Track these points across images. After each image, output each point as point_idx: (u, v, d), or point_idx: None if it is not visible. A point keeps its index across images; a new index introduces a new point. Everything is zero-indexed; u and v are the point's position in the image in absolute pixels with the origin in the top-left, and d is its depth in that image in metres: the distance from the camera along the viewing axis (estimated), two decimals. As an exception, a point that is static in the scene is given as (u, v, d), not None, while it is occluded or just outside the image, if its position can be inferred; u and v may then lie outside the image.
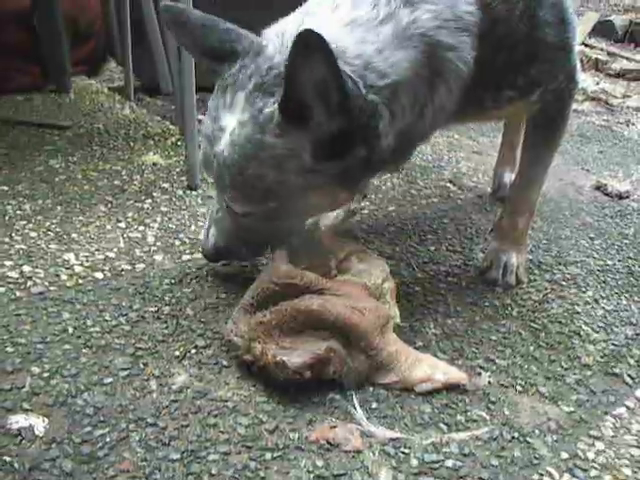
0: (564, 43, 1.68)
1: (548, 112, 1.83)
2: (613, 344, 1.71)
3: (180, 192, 2.28)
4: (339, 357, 1.40)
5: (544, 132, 1.90)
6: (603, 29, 7.10)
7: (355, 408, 1.36)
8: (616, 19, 7.34)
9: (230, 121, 1.42)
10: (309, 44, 1.21)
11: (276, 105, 1.35)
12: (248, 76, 1.40)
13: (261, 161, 1.40)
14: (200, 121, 1.53)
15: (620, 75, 5.55)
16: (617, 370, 1.61)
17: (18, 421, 1.23)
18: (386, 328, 1.49)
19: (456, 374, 1.48)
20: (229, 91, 1.43)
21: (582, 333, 1.73)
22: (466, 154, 3.09)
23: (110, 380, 1.37)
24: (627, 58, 6.31)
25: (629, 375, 1.60)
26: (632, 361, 1.65)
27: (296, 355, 1.37)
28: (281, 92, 1.33)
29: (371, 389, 1.43)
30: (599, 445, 1.37)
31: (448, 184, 2.68)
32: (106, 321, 1.55)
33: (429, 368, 1.47)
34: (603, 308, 1.87)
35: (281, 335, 1.42)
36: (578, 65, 1.81)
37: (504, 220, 2.01)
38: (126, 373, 1.40)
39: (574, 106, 4.35)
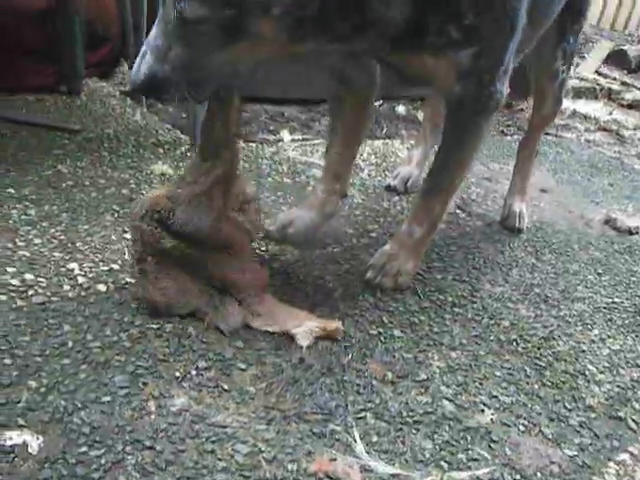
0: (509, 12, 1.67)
1: (467, 103, 1.77)
2: (618, 386, 1.68)
3: (187, 204, 2.25)
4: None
5: (460, 124, 1.85)
6: (617, 59, 7.10)
7: (355, 441, 1.34)
8: (630, 49, 7.34)
9: None
10: None
11: None
12: None
13: None
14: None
15: (632, 106, 5.54)
16: (621, 414, 1.59)
17: (12, 437, 1.21)
18: (263, 288, 1.71)
19: (332, 323, 1.64)
20: None
21: (587, 373, 1.71)
22: (476, 180, 3.06)
23: (108, 399, 1.35)
24: (640, 89, 6.31)
25: (633, 420, 1.57)
26: (637, 405, 1.63)
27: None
28: None
29: (372, 421, 1.41)
30: (602, 492, 1.35)
31: (457, 210, 2.65)
32: (107, 336, 1.53)
33: (303, 316, 1.65)
34: (609, 347, 1.85)
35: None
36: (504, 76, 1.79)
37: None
38: (125, 392, 1.37)
39: (585, 136, 4.39)
